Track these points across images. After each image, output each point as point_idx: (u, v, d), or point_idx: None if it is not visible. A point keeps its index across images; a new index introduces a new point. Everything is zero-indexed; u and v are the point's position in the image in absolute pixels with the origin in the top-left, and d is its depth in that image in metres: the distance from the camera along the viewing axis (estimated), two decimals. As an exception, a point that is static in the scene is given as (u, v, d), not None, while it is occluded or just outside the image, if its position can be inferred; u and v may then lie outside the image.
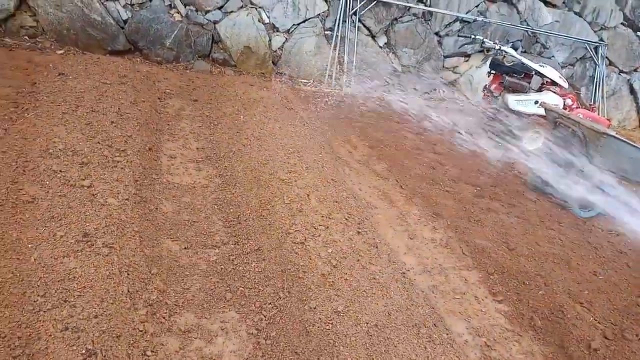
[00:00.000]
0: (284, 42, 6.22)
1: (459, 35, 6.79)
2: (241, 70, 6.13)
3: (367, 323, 2.36)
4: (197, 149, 3.99)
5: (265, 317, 2.46)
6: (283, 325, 2.38)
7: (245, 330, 2.39)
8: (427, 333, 2.44)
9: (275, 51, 6.24)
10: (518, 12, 7.15)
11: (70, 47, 5.39)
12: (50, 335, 1.90)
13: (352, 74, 6.47)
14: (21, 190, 2.60)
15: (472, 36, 6.16)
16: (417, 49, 6.82)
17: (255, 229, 3.08)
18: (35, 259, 2.22)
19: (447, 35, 6.97)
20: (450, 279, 3.10)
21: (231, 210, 3.29)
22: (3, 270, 2.12)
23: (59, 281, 2.13)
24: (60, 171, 2.79)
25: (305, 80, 6.41)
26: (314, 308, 2.42)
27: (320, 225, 3.01)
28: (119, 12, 5.48)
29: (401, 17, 6.60)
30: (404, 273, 2.87)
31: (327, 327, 2.31)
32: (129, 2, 5.48)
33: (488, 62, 6.10)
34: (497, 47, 5.74)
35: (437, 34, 6.92)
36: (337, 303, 2.44)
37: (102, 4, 5.37)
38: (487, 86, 6.08)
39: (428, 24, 6.80)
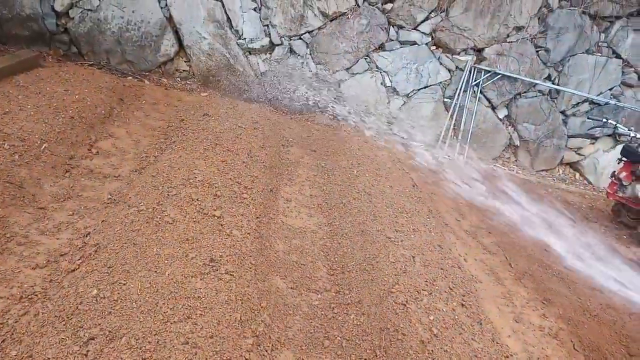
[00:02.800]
0: (401, 105, 6.45)
1: (589, 118, 6.49)
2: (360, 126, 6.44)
3: (466, 400, 2.28)
4: (311, 195, 4.23)
5: (360, 371, 2.48)
6: (378, 384, 2.39)
7: (340, 380, 2.43)
8: None
9: (392, 113, 6.47)
10: (658, 99, 6.70)
11: (213, 90, 6.11)
12: (174, 347, 2.12)
13: (467, 142, 6.46)
14: (164, 212, 2.98)
15: (605, 119, 5.85)
16: (539, 125, 6.64)
17: (357, 282, 3.15)
18: (168, 275, 2.51)
19: (573, 115, 6.71)
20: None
21: (336, 259, 3.41)
22: (143, 280, 2.43)
23: (185, 298, 2.38)
24: (197, 200, 3.14)
25: (417, 144, 6.52)
26: (411, 373, 2.39)
27: (423, 290, 3.00)
28: (258, 65, 6.13)
29: (525, 92, 6.52)
30: (507, 357, 2.73)
31: (423, 396, 2.27)
32: (269, 58, 6.12)
33: (619, 149, 5.73)
34: (632, 135, 5.39)
35: (562, 112, 6.70)
36: (435, 373, 2.39)
37: (246, 57, 6.06)
38: (615, 173, 5.68)
39: (554, 101, 6.63)
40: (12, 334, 2.10)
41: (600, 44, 6.49)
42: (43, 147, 3.46)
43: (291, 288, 2.98)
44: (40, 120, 3.65)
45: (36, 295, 2.35)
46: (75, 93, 4.27)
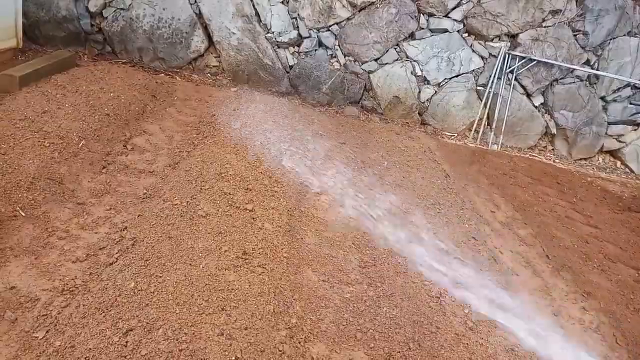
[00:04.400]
0: (432, 95, 6.32)
1: (631, 103, 6.21)
2: (387, 118, 6.36)
3: (503, 395, 2.23)
4: (342, 188, 4.21)
5: (393, 364, 2.46)
6: (412, 377, 2.37)
7: (373, 373, 2.42)
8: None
9: (423, 102, 6.36)
10: None
11: (243, 85, 6.15)
12: (209, 338, 2.16)
13: (501, 131, 6.29)
14: (198, 206, 3.03)
15: (648, 104, 5.59)
16: (577, 112, 6.38)
17: (389, 274, 3.13)
18: (203, 267, 2.55)
19: (614, 100, 6.42)
20: (599, 368, 2.78)
21: (367, 251, 3.39)
22: (178, 273, 2.49)
23: (220, 290, 2.42)
24: (230, 193, 3.18)
25: (449, 134, 6.39)
26: (446, 366, 2.36)
27: (457, 283, 2.95)
28: (287, 59, 6.12)
29: (562, 78, 6.28)
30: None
31: (458, 390, 2.24)
32: (297, 51, 6.11)
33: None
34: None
35: (602, 98, 6.42)
36: (470, 366, 2.35)
37: (275, 50, 6.07)
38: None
39: (593, 87, 6.36)
40: (56, 325, 2.19)
41: (643, 25, 6.17)
42: (81, 144, 3.57)
43: (323, 280, 2.98)
44: (78, 118, 3.77)
45: (77, 288, 2.43)
46: (110, 91, 4.39)
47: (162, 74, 5.80)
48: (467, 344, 2.49)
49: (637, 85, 6.25)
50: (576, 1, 5.98)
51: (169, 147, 4.08)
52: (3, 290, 2.33)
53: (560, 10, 5.95)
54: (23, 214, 2.81)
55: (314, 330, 2.58)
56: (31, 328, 2.18)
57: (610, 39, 6.15)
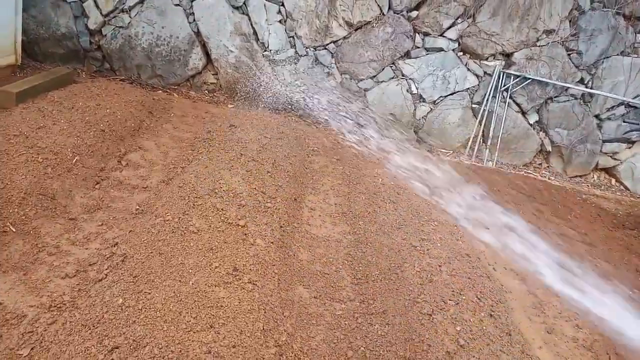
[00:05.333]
0: (428, 112, 6.37)
1: (624, 121, 6.26)
2: (382, 136, 6.39)
3: (494, 416, 2.19)
4: (335, 204, 4.21)
5: (384, 383, 2.43)
6: (402, 397, 2.33)
7: (363, 392, 2.38)
8: None
9: (419, 120, 6.40)
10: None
11: (240, 102, 6.19)
12: (196, 356, 2.13)
13: (497, 148, 6.31)
14: (190, 222, 3.02)
15: (641, 122, 5.63)
16: (572, 130, 6.42)
17: (382, 291, 3.11)
18: (192, 284, 2.53)
19: (608, 119, 6.46)
20: (593, 388, 2.74)
21: (360, 268, 3.37)
22: (167, 290, 2.47)
23: (209, 307, 2.40)
24: (222, 209, 3.18)
25: (445, 150, 6.42)
26: (436, 386, 2.33)
27: (450, 300, 2.93)
28: (284, 76, 6.18)
29: (557, 96, 6.33)
30: (538, 370, 2.63)
31: (449, 410, 2.20)
32: (294, 69, 6.17)
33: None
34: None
35: (597, 116, 6.47)
36: (461, 386, 2.32)
37: (272, 68, 6.13)
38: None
39: (587, 105, 6.41)
40: (41, 342, 2.17)
41: (636, 45, 6.25)
42: (75, 159, 3.58)
43: (314, 297, 2.96)
44: (73, 134, 3.79)
45: (65, 304, 2.42)
46: (106, 107, 4.41)
47: (160, 91, 5.85)
48: (459, 362, 2.46)
49: (630, 103, 6.30)
50: (569, 21, 6.07)
51: (164, 163, 4.09)
52: (-10, 306, 2.31)
53: (554, 30, 6.03)
54: (13, 230, 2.80)
55: (304, 348, 2.56)
56: (16, 345, 2.15)
57: (604, 58, 6.22)
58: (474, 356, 2.52)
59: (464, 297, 2.98)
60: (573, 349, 3.03)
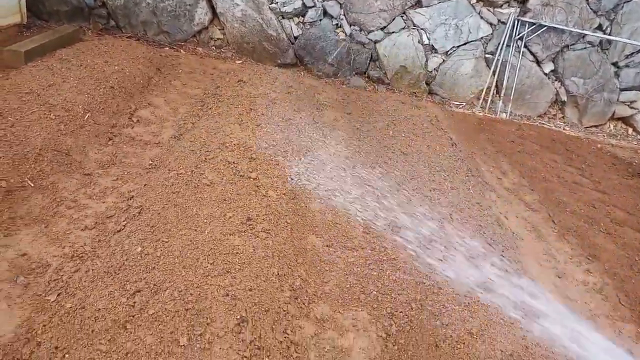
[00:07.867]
0: (440, 64, 6.23)
1: (643, 67, 6.06)
2: (394, 88, 6.30)
3: (502, 351, 2.27)
4: (346, 157, 4.21)
5: (395, 323, 2.51)
6: (413, 335, 2.41)
7: (375, 332, 2.47)
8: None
9: (431, 72, 6.28)
10: None
11: (247, 57, 6.12)
12: (215, 298, 2.22)
13: (510, 99, 6.20)
14: (202, 175, 3.06)
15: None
16: (589, 79, 6.25)
17: (392, 240, 3.15)
18: (208, 232, 2.60)
19: (627, 66, 6.26)
20: (599, 326, 2.80)
21: (372, 218, 3.41)
22: (184, 238, 2.54)
23: (224, 254, 2.47)
24: (234, 162, 3.21)
25: (457, 102, 6.32)
26: (447, 325, 2.41)
27: (460, 246, 2.97)
28: (291, 29, 6.06)
29: (573, 44, 6.13)
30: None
31: (459, 347, 2.28)
32: (302, 21, 6.03)
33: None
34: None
35: (614, 64, 6.27)
36: (471, 324, 2.39)
37: (279, 21, 6.00)
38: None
39: (605, 52, 6.21)
40: (67, 288, 2.26)
41: (658, -14, 5.97)
42: (86, 116, 3.60)
43: (327, 246, 3.02)
44: (83, 91, 3.80)
45: (86, 254, 2.50)
46: (114, 64, 4.40)
47: (167, 48, 5.78)
48: (469, 303, 2.52)
49: (650, 49, 6.09)
50: (588, -38, 5.80)
51: (174, 119, 4.11)
52: (15, 257, 2.41)
53: (572, -27, 5.77)
54: (32, 185, 2.87)
55: (318, 292, 2.64)
56: (43, 291, 2.25)
57: (624, 3, 5.97)
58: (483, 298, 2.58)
59: (475, 243, 3.02)
60: (583, 292, 3.08)
